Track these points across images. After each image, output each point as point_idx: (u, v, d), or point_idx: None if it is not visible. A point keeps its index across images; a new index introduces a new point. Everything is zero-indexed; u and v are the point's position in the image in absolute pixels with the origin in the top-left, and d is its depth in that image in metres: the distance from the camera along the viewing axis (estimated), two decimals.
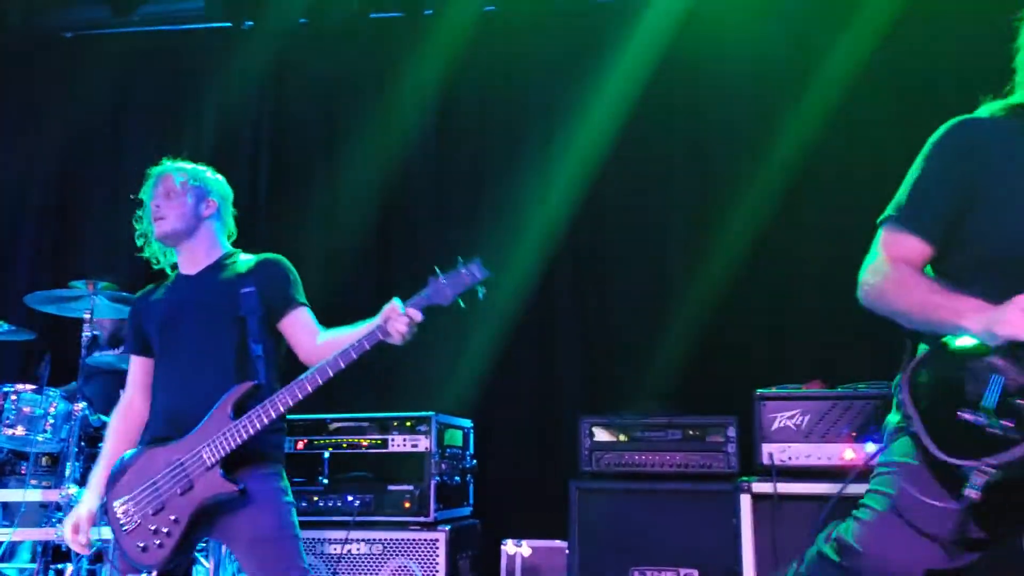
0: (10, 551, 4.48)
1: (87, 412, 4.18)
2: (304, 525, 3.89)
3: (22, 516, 4.12)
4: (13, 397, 4.18)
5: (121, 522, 2.65)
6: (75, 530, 2.75)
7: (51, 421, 4.17)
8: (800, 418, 3.69)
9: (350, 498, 3.82)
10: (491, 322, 5.08)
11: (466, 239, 5.16)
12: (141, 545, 2.60)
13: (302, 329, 2.81)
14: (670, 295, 5.10)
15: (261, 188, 5.71)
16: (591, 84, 5.29)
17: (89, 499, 2.79)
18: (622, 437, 4.12)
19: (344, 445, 3.89)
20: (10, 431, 4.15)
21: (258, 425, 2.56)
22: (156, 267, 3.03)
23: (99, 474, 2.80)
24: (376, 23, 5.72)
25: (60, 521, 3.83)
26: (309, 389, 2.56)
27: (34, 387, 4.24)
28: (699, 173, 5.21)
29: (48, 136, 6.04)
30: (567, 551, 4.11)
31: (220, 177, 3.02)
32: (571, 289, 5.30)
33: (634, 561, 3.94)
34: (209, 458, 2.56)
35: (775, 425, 3.70)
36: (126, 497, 2.66)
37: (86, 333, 4.32)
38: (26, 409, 4.18)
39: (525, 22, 5.52)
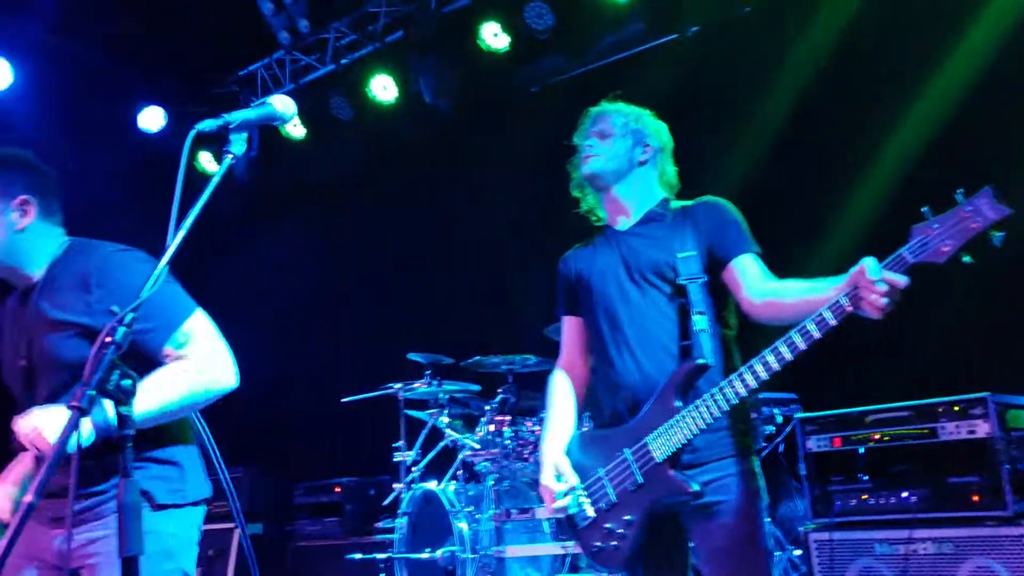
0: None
1: None
2: (854, 525, 3.69)
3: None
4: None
5: (574, 518, 2.44)
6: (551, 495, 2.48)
7: None
8: None
9: (905, 494, 3.47)
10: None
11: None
12: (597, 545, 2.39)
13: (747, 278, 2.40)
14: None
15: None
16: None
17: (551, 458, 2.51)
18: None
19: (885, 438, 3.56)
20: None
21: (710, 416, 2.23)
22: (596, 223, 2.75)
23: (551, 439, 2.54)
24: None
25: None
26: (764, 375, 2.18)
27: None
28: None
29: (527, 181, 6.63)
30: None
31: (662, 122, 2.70)
32: None
33: None
34: (658, 452, 2.28)
35: None
36: (577, 489, 2.44)
37: None
38: None
39: None
